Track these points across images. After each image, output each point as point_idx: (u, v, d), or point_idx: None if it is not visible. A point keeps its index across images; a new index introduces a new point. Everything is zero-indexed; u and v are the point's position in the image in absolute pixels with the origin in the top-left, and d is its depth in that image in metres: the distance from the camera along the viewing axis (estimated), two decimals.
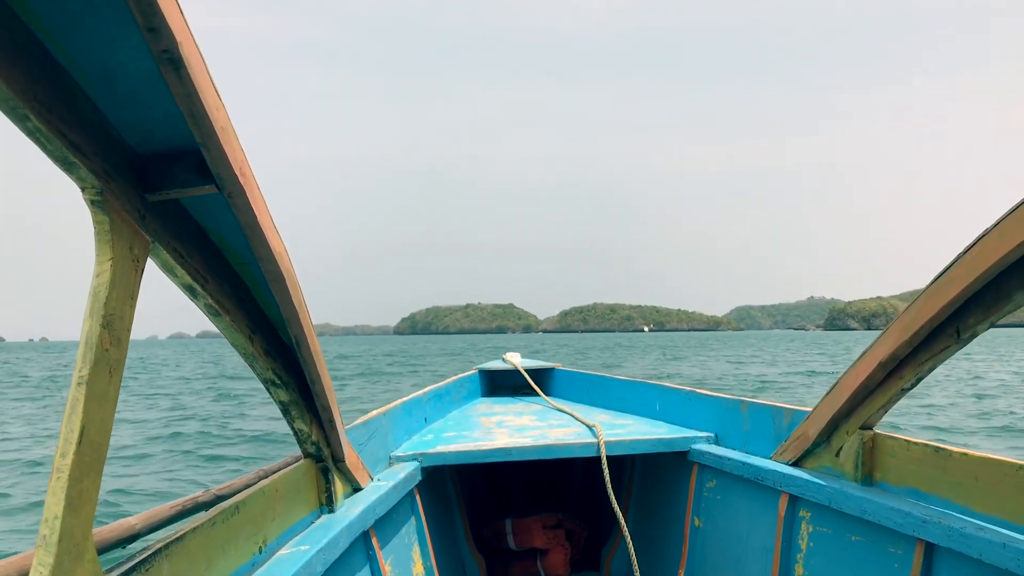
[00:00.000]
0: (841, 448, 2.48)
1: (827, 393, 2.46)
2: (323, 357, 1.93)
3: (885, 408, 2.26)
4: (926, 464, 2.19)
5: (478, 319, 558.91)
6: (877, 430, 2.41)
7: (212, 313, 1.59)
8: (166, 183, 1.33)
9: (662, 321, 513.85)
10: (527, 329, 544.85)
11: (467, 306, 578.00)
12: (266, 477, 2.10)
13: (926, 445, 2.21)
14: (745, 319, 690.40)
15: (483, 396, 5.17)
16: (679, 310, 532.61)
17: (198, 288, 1.50)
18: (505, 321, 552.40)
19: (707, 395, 3.52)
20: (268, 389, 1.91)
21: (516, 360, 5.35)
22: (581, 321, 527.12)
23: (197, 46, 1.14)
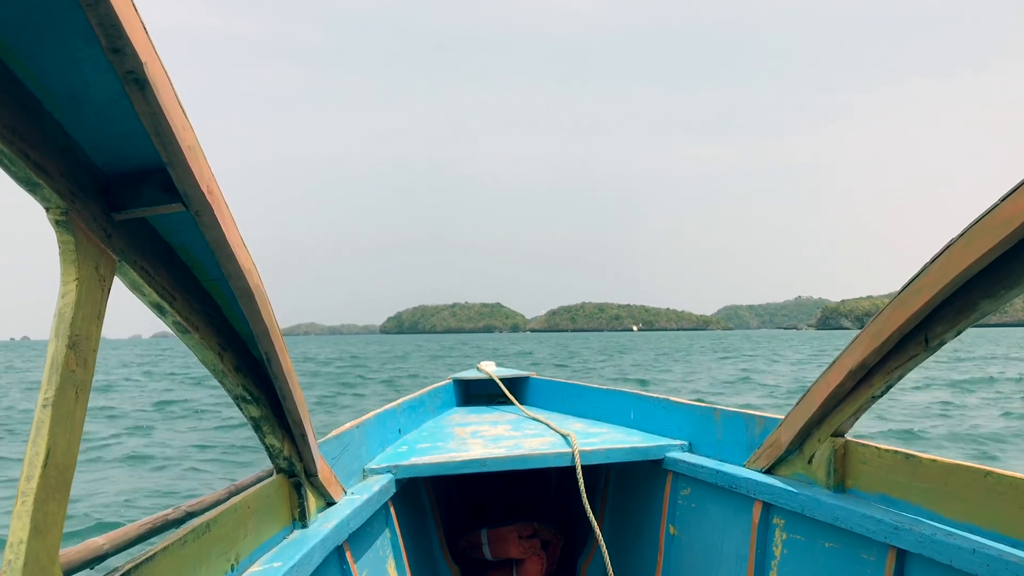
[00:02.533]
0: (813, 455, 2.50)
1: (799, 401, 2.47)
2: (294, 371, 1.92)
3: (856, 415, 2.29)
4: (897, 471, 2.22)
5: (465, 318, 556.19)
6: (848, 437, 2.43)
7: (181, 330, 1.56)
8: (132, 202, 1.32)
9: (651, 320, 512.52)
10: (515, 328, 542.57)
11: (454, 305, 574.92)
12: (237, 493, 2.07)
13: (896, 452, 2.24)
14: (733, 319, 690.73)
15: (457, 406, 5.12)
16: (668, 309, 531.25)
17: (166, 306, 1.48)
18: (492, 320, 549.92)
19: (681, 403, 3.54)
20: (239, 405, 1.88)
21: (491, 369, 5.31)
22: (569, 320, 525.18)
23: (163, 66, 1.12)
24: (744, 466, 2.87)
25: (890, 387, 2.11)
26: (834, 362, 2.20)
